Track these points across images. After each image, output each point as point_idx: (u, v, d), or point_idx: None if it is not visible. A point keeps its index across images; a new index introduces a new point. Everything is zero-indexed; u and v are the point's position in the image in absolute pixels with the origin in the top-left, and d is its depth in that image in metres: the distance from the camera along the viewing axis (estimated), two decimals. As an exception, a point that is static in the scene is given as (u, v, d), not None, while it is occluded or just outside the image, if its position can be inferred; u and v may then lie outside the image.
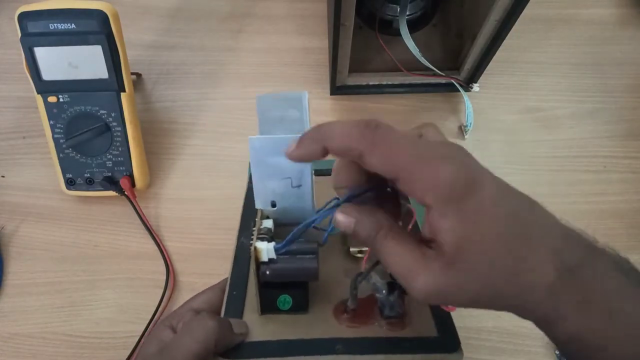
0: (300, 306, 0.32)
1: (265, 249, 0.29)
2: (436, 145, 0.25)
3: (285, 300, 0.31)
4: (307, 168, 0.30)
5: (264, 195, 0.30)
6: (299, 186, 0.30)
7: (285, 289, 0.31)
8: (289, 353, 0.30)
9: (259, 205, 0.31)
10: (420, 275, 0.24)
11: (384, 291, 0.31)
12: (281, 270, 0.29)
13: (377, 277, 0.31)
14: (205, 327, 0.29)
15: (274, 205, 0.31)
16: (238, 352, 0.30)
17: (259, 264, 0.29)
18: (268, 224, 0.31)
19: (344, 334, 0.31)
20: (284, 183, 0.30)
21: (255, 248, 0.28)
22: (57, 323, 0.49)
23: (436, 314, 0.32)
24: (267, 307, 0.31)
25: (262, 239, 0.29)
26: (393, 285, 0.31)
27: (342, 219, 0.26)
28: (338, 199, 0.28)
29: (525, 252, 0.24)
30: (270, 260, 0.29)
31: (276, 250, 0.29)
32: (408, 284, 0.24)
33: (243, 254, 0.36)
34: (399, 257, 0.25)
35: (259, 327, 0.31)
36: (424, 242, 0.25)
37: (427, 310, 0.32)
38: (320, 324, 0.32)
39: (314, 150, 0.25)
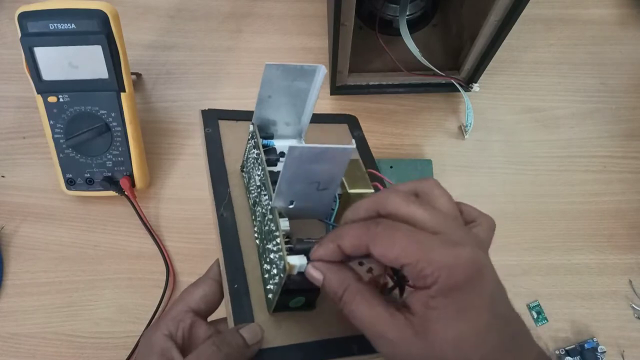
0: (311, 304, 0.32)
1: (299, 266, 0.28)
2: (439, 224, 0.26)
3: (298, 300, 0.31)
4: (340, 176, 0.29)
5: (286, 196, 0.30)
6: (324, 189, 0.29)
7: (303, 291, 0.31)
8: (311, 358, 0.30)
9: (276, 204, 0.30)
10: (393, 344, 0.25)
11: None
12: (305, 280, 0.29)
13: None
14: None
15: (291, 203, 0.31)
16: None
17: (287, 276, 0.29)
18: (285, 225, 0.30)
19: (352, 331, 0.31)
20: (311, 186, 0.29)
21: (288, 264, 0.28)
22: (57, 323, 0.49)
23: None
24: (280, 307, 0.31)
25: (290, 251, 0.29)
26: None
27: (312, 272, 0.27)
28: None
29: None
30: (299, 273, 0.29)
31: (303, 266, 0.28)
32: (378, 346, 0.25)
33: (229, 233, 0.35)
34: (367, 320, 0.26)
35: (272, 328, 0.31)
36: (392, 303, 0.26)
37: None
38: (327, 321, 0.32)
39: (331, 249, 0.27)
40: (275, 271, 0.30)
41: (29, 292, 0.50)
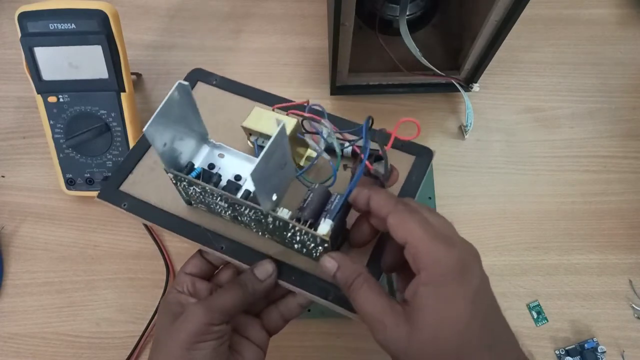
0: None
1: (329, 228, 0.30)
2: (442, 228, 0.29)
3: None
4: (287, 148, 0.31)
5: (269, 196, 0.31)
6: (284, 164, 0.31)
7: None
8: (292, 280, 0.35)
9: (266, 207, 0.31)
10: (386, 328, 0.27)
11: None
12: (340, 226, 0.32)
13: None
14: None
15: (274, 196, 0.32)
16: None
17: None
18: (287, 214, 0.32)
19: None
20: (277, 173, 0.31)
21: (323, 236, 0.30)
22: (57, 323, 0.49)
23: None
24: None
25: (310, 225, 0.31)
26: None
27: (327, 263, 0.31)
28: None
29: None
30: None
31: (332, 225, 0.31)
32: (374, 331, 0.28)
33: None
34: (371, 306, 0.29)
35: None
36: (393, 298, 0.29)
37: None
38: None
39: (364, 196, 0.30)
40: (312, 245, 0.32)
41: (29, 292, 0.50)
